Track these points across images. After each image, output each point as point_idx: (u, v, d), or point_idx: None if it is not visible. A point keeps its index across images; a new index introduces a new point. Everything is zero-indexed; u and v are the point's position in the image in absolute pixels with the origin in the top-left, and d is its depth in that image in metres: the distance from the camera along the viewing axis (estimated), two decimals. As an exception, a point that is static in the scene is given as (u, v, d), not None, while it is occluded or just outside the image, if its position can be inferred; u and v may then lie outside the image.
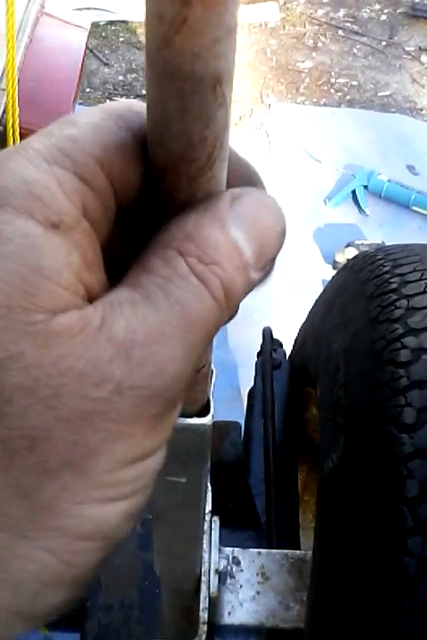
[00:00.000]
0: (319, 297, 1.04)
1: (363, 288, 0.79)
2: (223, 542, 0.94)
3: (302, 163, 3.45)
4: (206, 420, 0.50)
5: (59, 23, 1.26)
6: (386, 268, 0.78)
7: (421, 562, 0.53)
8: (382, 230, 3.11)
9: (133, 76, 4.08)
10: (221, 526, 1.00)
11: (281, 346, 1.27)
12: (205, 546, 0.73)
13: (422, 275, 0.73)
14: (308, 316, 1.09)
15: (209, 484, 0.79)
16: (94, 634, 1.19)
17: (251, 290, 0.28)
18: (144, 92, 3.97)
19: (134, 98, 3.93)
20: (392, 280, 0.74)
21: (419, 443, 0.57)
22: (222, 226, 0.27)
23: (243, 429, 1.16)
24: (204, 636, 0.68)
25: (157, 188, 0.32)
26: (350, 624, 0.59)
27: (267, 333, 1.22)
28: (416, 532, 0.54)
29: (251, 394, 1.19)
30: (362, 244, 2.97)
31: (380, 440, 0.60)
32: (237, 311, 0.28)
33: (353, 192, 3.20)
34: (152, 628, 1.19)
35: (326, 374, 0.80)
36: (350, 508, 0.63)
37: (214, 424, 1.23)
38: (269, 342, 1.22)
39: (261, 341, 1.30)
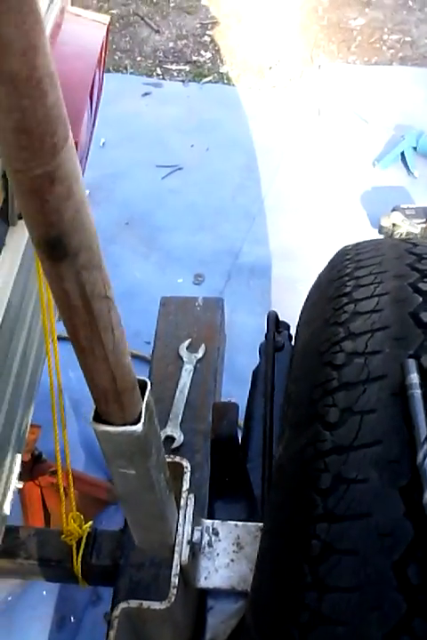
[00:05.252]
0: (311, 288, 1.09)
1: (328, 289, 0.85)
2: (218, 514, 1.04)
3: (351, 124, 3.41)
4: (137, 428, 0.62)
5: (73, 22, 1.33)
6: (348, 270, 0.82)
7: (325, 545, 0.60)
8: (430, 193, 3.05)
9: (184, 42, 4.10)
10: (218, 498, 1.10)
11: (287, 328, 1.32)
12: (180, 520, 0.83)
13: (375, 278, 0.78)
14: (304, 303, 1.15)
15: (188, 465, 0.89)
16: (126, 589, 1.31)
17: None
18: (194, 58, 4.00)
19: (185, 64, 3.97)
20: (348, 283, 0.79)
21: (338, 440, 0.63)
22: None
23: (245, 408, 1.24)
24: (173, 599, 0.78)
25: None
26: (273, 593, 0.68)
27: (272, 317, 1.29)
28: (324, 520, 0.61)
29: (254, 374, 1.26)
30: (408, 208, 2.93)
31: (309, 435, 0.67)
32: None
33: (402, 153, 3.15)
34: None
35: (291, 367, 0.87)
36: (282, 494, 0.71)
37: (214, 405, 1.32)
38: (274, 325, 1.28)
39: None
